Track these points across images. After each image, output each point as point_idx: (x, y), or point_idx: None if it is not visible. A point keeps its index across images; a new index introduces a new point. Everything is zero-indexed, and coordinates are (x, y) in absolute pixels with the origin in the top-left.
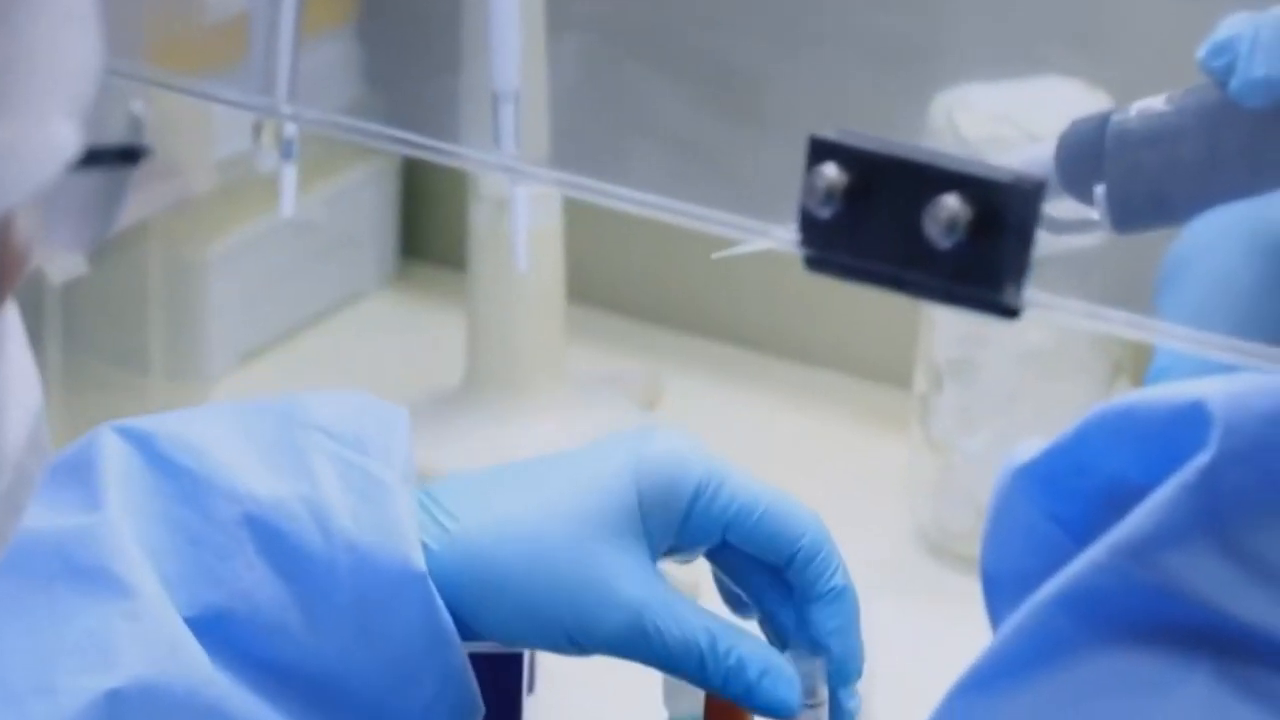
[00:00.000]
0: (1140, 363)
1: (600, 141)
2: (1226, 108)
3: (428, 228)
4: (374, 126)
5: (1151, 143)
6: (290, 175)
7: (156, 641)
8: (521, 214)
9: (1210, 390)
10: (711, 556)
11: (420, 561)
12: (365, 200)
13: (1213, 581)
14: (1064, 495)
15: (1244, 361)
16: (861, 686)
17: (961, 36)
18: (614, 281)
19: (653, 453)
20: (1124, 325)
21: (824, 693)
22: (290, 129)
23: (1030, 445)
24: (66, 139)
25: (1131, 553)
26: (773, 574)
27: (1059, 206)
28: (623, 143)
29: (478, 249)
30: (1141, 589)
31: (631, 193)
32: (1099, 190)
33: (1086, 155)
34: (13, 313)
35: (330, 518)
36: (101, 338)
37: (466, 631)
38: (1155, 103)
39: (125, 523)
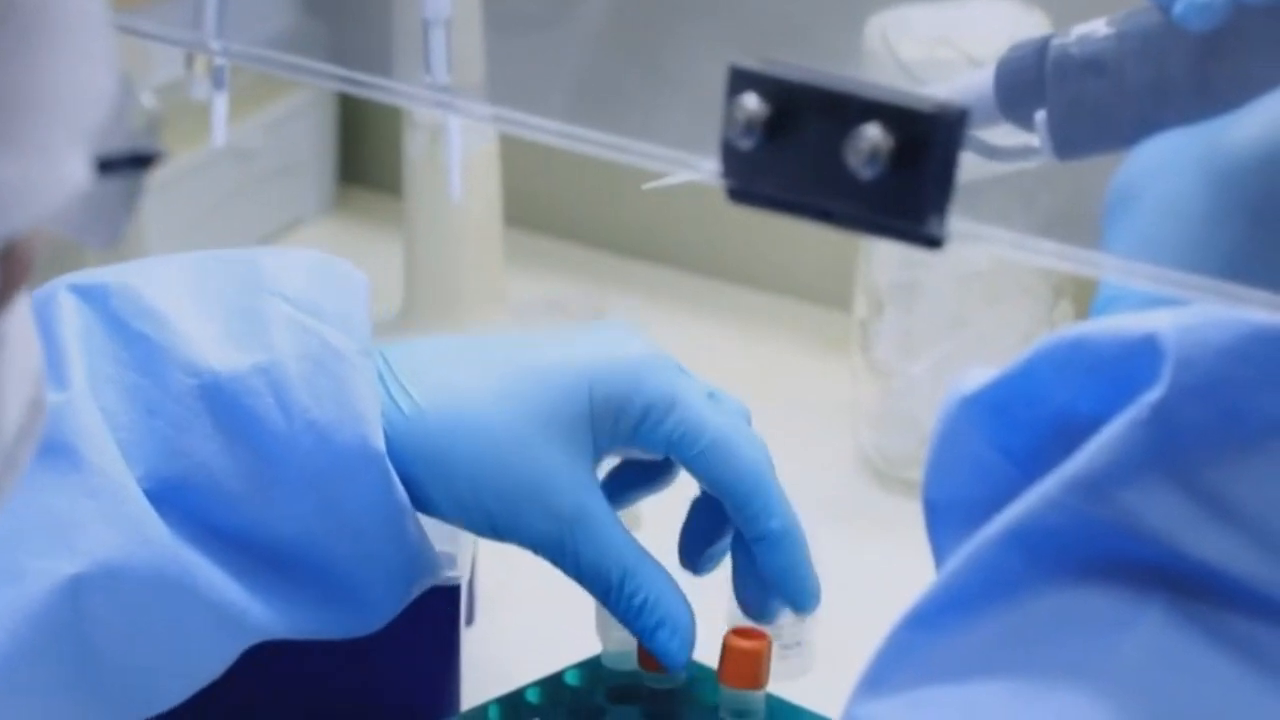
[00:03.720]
0: (1082, 286)
1: (533, 68)
2: (1170, 32)
3: (366, 153)
4: (304, 61)
5: (1094, 68)
6: (221, 105)
7: (119, 519)
8: (455, 143)
9: (1162, 323)
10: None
11: (379, 441)
12: (303, 126)
13: (1166, 518)
14: (1011, 426)
15: (1176, 293)
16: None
17: None
18: (553, 205)
19: (612, 361)
20: (1050, 255)
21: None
22: (221, 58)
23: (977, 374)
24: (75, 173)
25: (1083, 488)
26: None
27: (999, 133)
28: (555, 69)
29: (413, 177)
30: (1093, 525)
31: (560, 126)
32: (1040, 117)
33: (1026, 81)
34: (21, 302)
35: (289, 392)
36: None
37: (414, 504)
38: (1096, 26)
39: (89, 399)
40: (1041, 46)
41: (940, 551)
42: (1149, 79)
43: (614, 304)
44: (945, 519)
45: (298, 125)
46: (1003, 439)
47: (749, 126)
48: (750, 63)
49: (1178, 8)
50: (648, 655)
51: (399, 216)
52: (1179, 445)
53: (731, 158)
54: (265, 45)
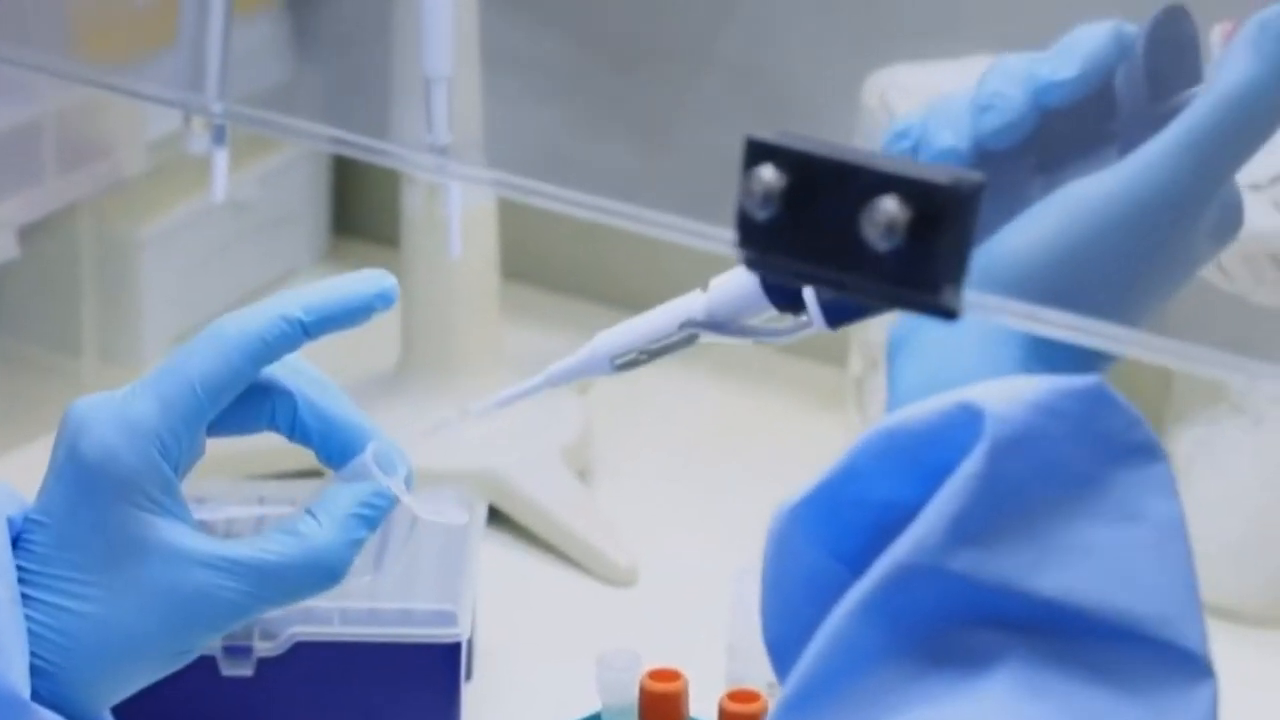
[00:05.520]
0: None
1: (534, 128)
2: None
3: (360, 204)
4: (306, 124)
5: None
6: (222, 161)
7: None
8: (455, 202)
9: (974, 391)
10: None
11: (24, 689)
12: (297, 178)
13: (1009, 564)
14: (843, 529)
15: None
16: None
17: (894, 17)
18: (550, 259)
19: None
20: (1062, 327)
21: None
22: None
23: (798, 487)
24: None
25: (930, 549)
26: None
27: (769, 317)
28: (557, 129)
29: (411, 232)
30: (945, 582)
31: (562, 191)
32: (808, 293)
33: None
34: None
35: None
36: (34, 320)
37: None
38: None
39: None
40: None
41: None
42: None
43: None
44: (791, 651)
45: (292, 177)
46: (836, 544)
47: (766, 198)
48: (767, 135)
49: (923, 160)
50: (649, 712)
51: (393, 268)
52: (1009, 495)
53: (748, 228)
54: (263, 98)
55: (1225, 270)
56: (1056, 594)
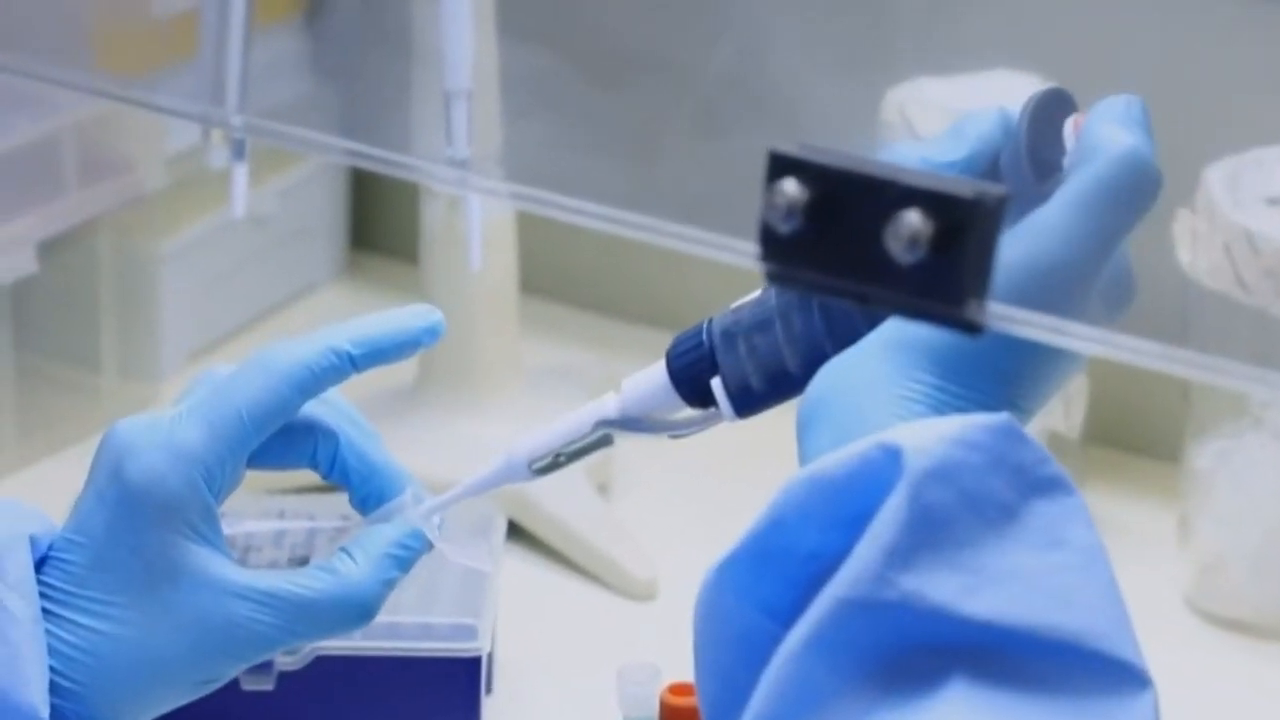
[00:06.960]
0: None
1: (553, 142)
2: None
3: (379, 219)
4: (326, 138)
5: (757, 327)
6: (241, 176)
7: None
8: (475, 214)
9: (890, 433)
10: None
11: (44, 709)
12: (317, 192)
13: (943, 590)
14: (774, 581)
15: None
16: None
17: (913, 31)
18: (568, 273)
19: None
20: (1086, 340)
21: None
22: None
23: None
24: None
25: (866, 582)
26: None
27: (681, 413)
28: (576, 141)
29: (430, 245)
30: (883, 614)
31: (585, 205)
32: (716, 384)
33: (700, 360)
34: None
35: None
36: (53, 336)
37: None
38: (751, 296)
39: None
40: (698, 329)
41: None
42: (810, 319)
43: (627, 372)
44: (729, 715)
45: (311, 191)
46: (766, 599)
47: (789, 211)
48: (790, 148)
49: None
50: None
51: (411, 282)
52: (936, 524)
53: (770, 241)
54: (283, 112)
55: (1245, 284)
56: (992, 616)
